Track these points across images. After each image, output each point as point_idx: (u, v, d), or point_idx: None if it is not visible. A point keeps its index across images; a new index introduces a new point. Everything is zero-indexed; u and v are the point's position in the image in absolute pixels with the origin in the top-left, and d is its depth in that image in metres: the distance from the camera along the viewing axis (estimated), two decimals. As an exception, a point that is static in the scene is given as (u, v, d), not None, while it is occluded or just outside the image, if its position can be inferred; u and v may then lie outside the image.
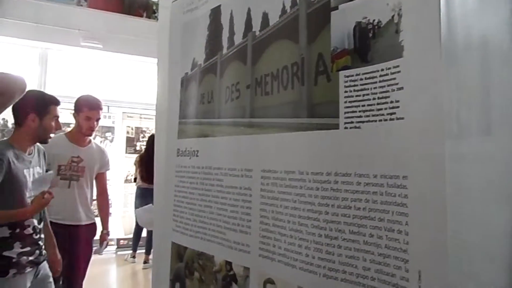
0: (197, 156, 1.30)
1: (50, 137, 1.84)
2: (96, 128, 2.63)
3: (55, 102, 1.84)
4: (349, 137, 0.82)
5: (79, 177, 2.49)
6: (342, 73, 0.84)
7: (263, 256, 1.02)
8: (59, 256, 2.01)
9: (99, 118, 2.58)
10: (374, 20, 0.78)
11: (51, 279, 1.81)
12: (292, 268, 0.93)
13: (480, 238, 0.65)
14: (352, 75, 0.82)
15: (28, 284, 1.65)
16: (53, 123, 1.79)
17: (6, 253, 1.57)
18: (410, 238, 0.72)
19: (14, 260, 1.58)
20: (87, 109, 2.50)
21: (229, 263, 1.13)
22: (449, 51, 0.69)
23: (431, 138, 0.69)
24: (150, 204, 2.17)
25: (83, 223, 2.51)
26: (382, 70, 0.76)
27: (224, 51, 1.20)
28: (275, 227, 0.99)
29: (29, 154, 1.74)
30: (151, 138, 4.07)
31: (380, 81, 0.77)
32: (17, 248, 1.60)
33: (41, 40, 5.11)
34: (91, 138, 2.65)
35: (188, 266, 1.30)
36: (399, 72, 0.74)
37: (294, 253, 0.93)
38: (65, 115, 4.73)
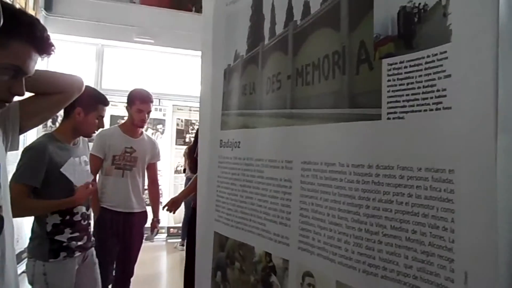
0: (238, 147, 1.31)
1: (94, 133, 1.92)
2: (148, 120, 2.72)
3: (103, 102, 1.91)
4: (392, 128, 0.78)
5: (132, 167, 2.60)
6: (385, 61, 0.80)
7: (302, 249, 1.01)
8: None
9: (150, 111, 2.67)
10: (419, 4, 0.74)
11: (97, 265, 1.92)
12: (330, 262, 0.91)
13: (535, 238, 0.59)
14: (396, 63, 0.78)
15: (76, 267, 1.76)
16: (96, 121, 1.86)
17: (57, 237, 1.69)
18: (456, 236, 0.68)
19: (64, 244, 1.69)
20: (139, 102, 2.60)
21: (268, 255, 1.13)
22: (507, 34, 0.64)
23: (481, 129, 0.64)
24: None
25: (135, 210, 2.62)
26: (428, 56, 0.72)
27: (266, 41, 1.19)
28: (314, 220, 0.97)
29: (74, 144, 1.83)
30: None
31: (425, 69, 0.72)
32: (67, 233, 1.71)
33: (99, 37, 5.38)
34: (143, 130, 2.75)
35: (229, 256, 1.32)
36: (446, 58, 0.69)
37: (333, 247, 0.91)
38: (120, 108, 4.97)
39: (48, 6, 5.06)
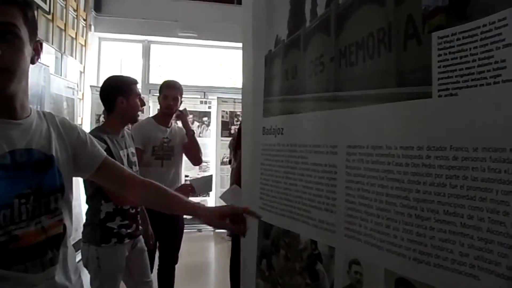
0: (282, 134, 1.29)
1: (138, 115, 1.98)
2: (177, 108, 2.71)
3: (135, 81, 1.98)
4: (444, 106, 0.73)
5: (171, 156, 2.64)
6: (435, 34, 0.74)
7: (348, 236, 0.98)
8: (151, 231, 2.20)
9: (176, 97, 2.66)
10: (474, -32, 0.68)
11: (146, 252, 1.99)
12: (378, 250, 0.87)
13: None
14: (447, 36, 0.72)
15: (126, 253, 1.84)
16: (137, 101, 1.92)
17: (109, 224, 1.78)
18: (519, 222, 0.62)
19: (115, 230, 1.78)
20: (165, 88, 2.65)
21: (314, 242, 1.11)
22: None
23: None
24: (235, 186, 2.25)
25: None
26: (484, 26, 0.66)
27: (307, 24, 1.15)
28: (361, 205, 0.93)
29: (122, 136, 1.90)
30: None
31: (481, 39, 0.66)
32: (118, 221, 1.79)
33: (145, 34, 5.56)
34: (172, 120, 2.75)
35: (275, 244, 1.31)
36: (505, 25, 0.63)
37: (381, 233, 0.87)
38: (167, 102, 5.11)
39: (97, 7, 5.29)
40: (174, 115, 2.75)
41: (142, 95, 2.00)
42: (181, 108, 2.79)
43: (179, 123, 2.92)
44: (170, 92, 2.65)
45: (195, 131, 2.96)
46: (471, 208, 0.69)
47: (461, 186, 0.70)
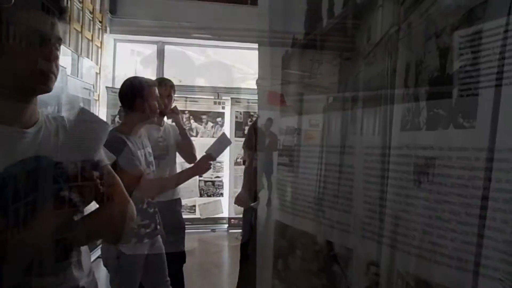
0: (299, 134, 1.29)
1: (156, 117, 1.98)
2: (171, 106, 2.68)
3: (154, 83, 1.98)
4: (465, 106, 0.72)
5: (165, 155, 2.62)
6: (456, 33, 0.73)
7: (366, 237, 0.97)
8: (162, 232, 2.20)
9: (170, 95, 2.64)
10: (497, -34, 0.66)
11: (164, 252, 2.00)
12: (397, 251, 0.86)
13: None
14: (468, 35, 0.71)
15: (146, 252, 1.86)
16: (155, 103, 1.92)
17: None
18: (545, 224, 0.61)
19: (135, 230, 1.78)
20: (157, 87, 2.62)
21: (330, 243, 1.10)
22: None
23: None
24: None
25: (173, 198, 2.63)
26: (508, 24, 0.64)
27: (324, 23, 1.15)
28: (378, 206, 0.93)
29: (139, 136, 1.91)
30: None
31: (503, 38, 0.65)
32: (138, 220, 1.79)
33: (159, 35, 5.61)
34: (164, 119, 2.73)
35: (291, 244, 1.30)
36: (531, 23, 0.61)
37: (399, 235, 0.86)
38: (180, 102, 5.14)
39: (112, 10, 5.36)
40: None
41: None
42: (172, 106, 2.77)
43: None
44: (162, 91, 2.63)
45: (186, 129, 2.93)
46: (494, 210, 0.67)
47: (484, 187, 0.69)
